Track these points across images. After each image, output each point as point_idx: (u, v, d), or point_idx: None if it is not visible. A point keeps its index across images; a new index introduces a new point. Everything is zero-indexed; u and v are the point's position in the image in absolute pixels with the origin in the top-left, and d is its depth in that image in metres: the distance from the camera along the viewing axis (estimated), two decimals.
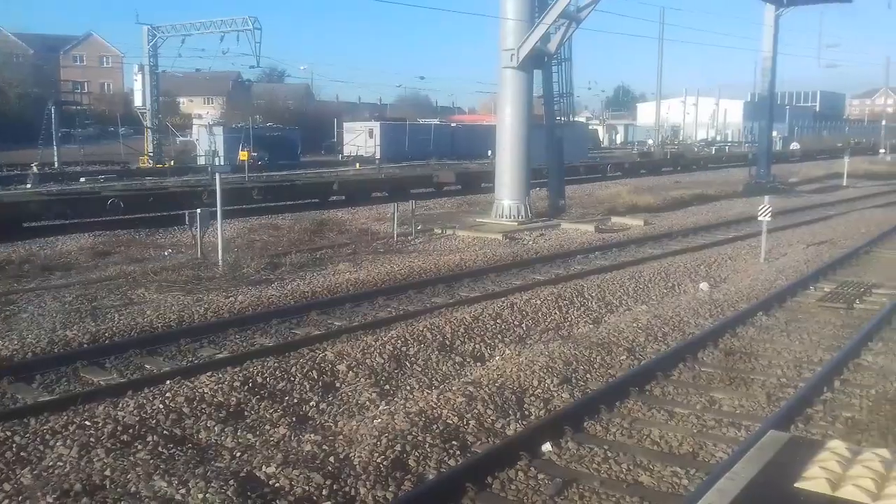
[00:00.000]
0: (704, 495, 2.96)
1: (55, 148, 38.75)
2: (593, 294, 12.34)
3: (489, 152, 38.47)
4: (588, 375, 8.37)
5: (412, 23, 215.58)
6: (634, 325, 10.22)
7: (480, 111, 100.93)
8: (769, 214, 15.60)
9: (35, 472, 6.21)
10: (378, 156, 51.14)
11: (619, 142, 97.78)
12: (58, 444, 6.64)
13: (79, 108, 51.25)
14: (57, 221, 19.30)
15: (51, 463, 6.37)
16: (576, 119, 46.12)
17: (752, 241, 17.68)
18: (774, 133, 49.76)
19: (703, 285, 13.36)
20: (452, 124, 71.62)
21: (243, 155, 38.00)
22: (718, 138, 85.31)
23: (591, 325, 10.84)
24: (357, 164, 46.92)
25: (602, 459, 6.30)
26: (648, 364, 8.48)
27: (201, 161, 43.54)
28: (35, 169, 33.86)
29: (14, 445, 6.56)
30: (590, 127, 79.91)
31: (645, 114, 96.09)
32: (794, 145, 74.69)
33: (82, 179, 31.81)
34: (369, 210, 24.05)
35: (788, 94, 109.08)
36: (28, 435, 6.74)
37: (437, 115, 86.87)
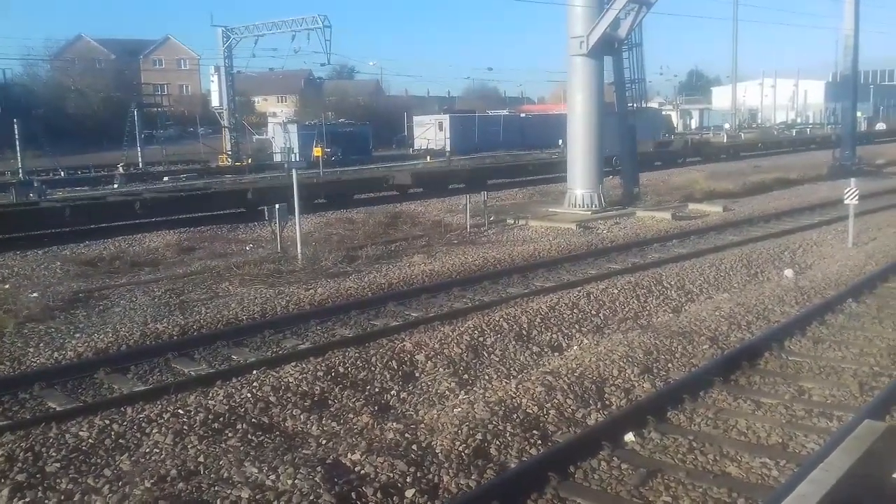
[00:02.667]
0: (798, 486, 2.88)
1: (139, 149, 40.31)
2: (672, 283, 12.11)
3: (560, 141, 38.11)
4: (669, 365, 8.23)
5: (479, 14, 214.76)
6: (716, 313, 9.98)
7: (550, 100, 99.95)
8: (856, 197, 14.97)
9: (133, 458, 6.50)
10: (448, 148, 51.31)
11: (693, 127, 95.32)
12: (154, 431, 6.93)
13: (159, 109, 53.11)
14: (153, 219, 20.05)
15: (147, 449, 6.66)
16: (648, 105, 45.17)
17: (839, 225, 17.01)
18: (858, 113, 47.64)
19: (788, 272, 12.93)
20: (522, 114, 71.19)
21: (317, 151, 38.68)
22: (799, 121, 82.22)
23: (670, 314, 10.64)
24: (428, 157, 47.18)
25: (687, 450, 6.19)
26: (732, 353, 8.28)
27: (277, 158, 44.55)
28: (121, 170, 35.31)
29: (113, 433, 6.88)
30: (663, 113, 78.17)
31: (720, 98, 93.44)
32: (881, 125, 71.34)
33: (166, 179, 32.98)
34: (441, 202, 24.16)
35: (872, 73, 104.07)
36: (125, 423, 7.06)
37: (506, 106, 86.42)
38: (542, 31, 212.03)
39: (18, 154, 34.83)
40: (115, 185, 30.21)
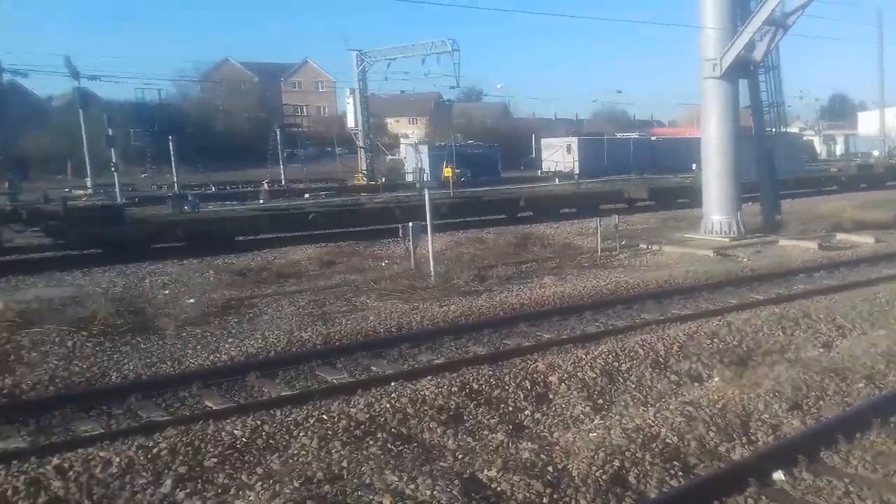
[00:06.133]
0: None
1: (281, 167, 42.50)
2: (821, 316, 11.48)
3: (693, 165, 37.01)
4: (821, 402, 7.81)
5: (607, 36, 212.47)
6: (872, 350, 9.38)
7: (682, 123, 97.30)
8: None
9: (282, 458, 6.86)
10: (577, 171, 50.90)
11: (838, 153, 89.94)
12: (300, 434, 7.28)
13: (299, 129, 55.76)
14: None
15: (295, 451, 7.00)
16: (788, 130, 43.09)
17: None
18: None
19: None
20: (653, 137, 69.64)
21: (447, 171, 39.40)
22: None
23: (820, 349, 10.09)
24: (556, 180, 47.00)
25: (843, 493, 5.86)
26: (892, 394, 7.76)
27: (409, 178, 45.71)
28: (266, 186, 37.33)
29: (264, 433, 7.28)
30: (804, 138, 74.27)
31: (866, 123, 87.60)
32: None
33: (306, 195, 34.56)
34: (571, 225, 24.01)
35: None
36: (275, 425, 7.46)
37: (635, 129, 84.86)
38: (672, 54, 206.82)
39: (174, 169, 37.55)
40: (261, 201, 31.93)
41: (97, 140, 33.24)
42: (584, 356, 9.30)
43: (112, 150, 27.60)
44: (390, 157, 54.95)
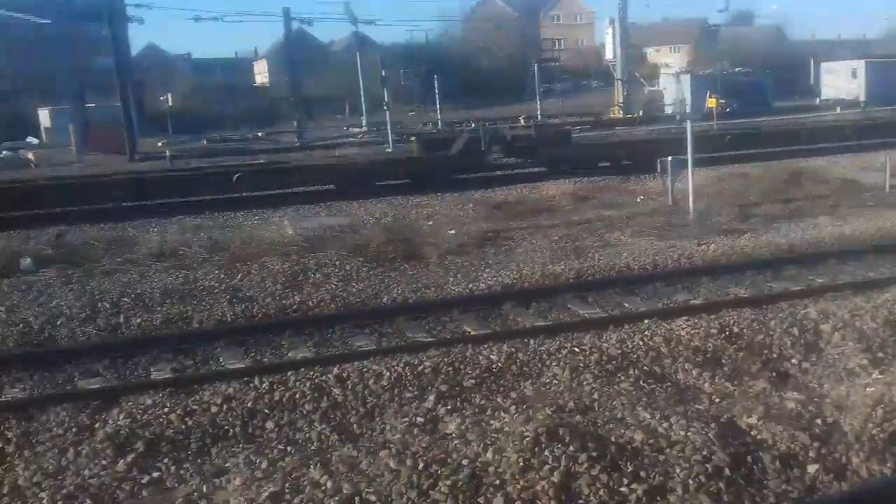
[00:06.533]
0: None
1: (537, 102, 42.66)
2: None
3: None
4: None
5: None
6: None
7: None
8: None
9: (535, 385, 7.13)
10: (862, 98, 45.20)
11: None
12: (553, 364, 7.50)
13: (556, 64, 55.33)
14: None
15: (547, 380, 7.23)
16: None
17: None
18: None
19: None
20: None
21: (711, 102, 36.95)
22: None
23: None
24: (837, 109, 42.14)
25: None
26: None
27: (668, 110, 43.63)
28: (522, 122, 37.82)
29: (518, 360, 7.60)
30: None
31: None
32: None
33: None
34: (852, 159, 21.53)
35: None
36: (528, 353, 7.74)
37: None
38: None
39: (437, 107, 39.31)
40: None
41: (372, 81, 35.72)
42: (863, 304, 8.50)
43: (384, 90, 29.48)
44: (649, 88, 52.67)
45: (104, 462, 5.96)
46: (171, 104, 35.38)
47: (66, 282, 11.01)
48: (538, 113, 41.86)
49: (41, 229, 15.05)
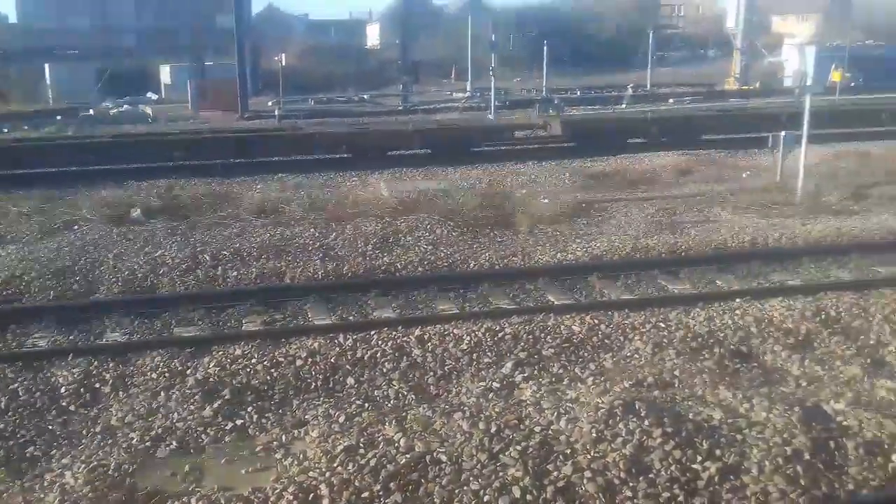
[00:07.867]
0: None
1: (648, 70, 41.25)
2: None
3: None
4: None
5: None
6: None
7: None
8: None
9: (615, 359, 7.06)
10: None
11: None
12: (635, 338, 7.40)
13: (673, 31, 53.13)
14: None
15: (628, 354, 7.15)
16: None
17: None
18: None
19: None
20: None
21: (835, 76, 34.71)
22: None
23: None
24: None
25: None
26: None
27: (787, 83, 41.30)
28: (630, 90, 36.74)
29: (600, 332, 7.54)
30: None
31: None
32: None
33: (671, 101, 33.31)
34: None
35: None
36: (611, 326, 7.67)
37: None
38: None
39: (544, 73, 38.65)
40: (624, 105, 31.58)
41: (481, 45, 35.32)
42: None
43: (492, 55, 29.22)
44: (770, 59, 49.93)
45: (192, 407, 6.33)
46: (284, 64, 36.21)
47: (171, 233, 11.61)
48: (647, 82, 40.53)
49: (153, 181, 15.85)
